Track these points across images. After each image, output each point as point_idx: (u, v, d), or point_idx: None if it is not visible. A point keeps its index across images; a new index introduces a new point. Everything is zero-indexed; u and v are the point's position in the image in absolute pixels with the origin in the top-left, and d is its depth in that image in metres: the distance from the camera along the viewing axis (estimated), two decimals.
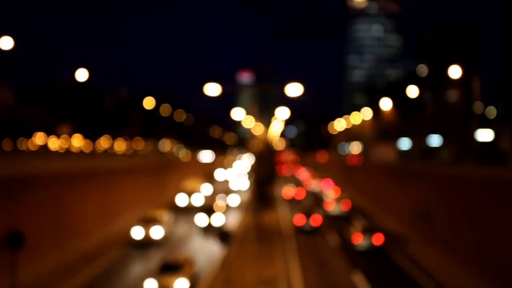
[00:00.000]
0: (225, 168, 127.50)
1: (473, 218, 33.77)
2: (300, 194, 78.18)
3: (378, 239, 42.96)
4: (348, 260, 39.00)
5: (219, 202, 58.78)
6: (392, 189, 56.98)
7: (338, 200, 64.96)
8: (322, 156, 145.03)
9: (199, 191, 69.05)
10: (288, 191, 79.60)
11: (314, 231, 50.95)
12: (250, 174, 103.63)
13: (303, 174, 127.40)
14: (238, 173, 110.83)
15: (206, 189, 77.35)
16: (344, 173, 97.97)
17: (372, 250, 42.29)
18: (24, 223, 29.96)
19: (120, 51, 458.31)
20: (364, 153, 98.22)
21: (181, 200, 65.14)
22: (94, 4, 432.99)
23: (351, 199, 68.55)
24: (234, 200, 68.50)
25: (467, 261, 34.02)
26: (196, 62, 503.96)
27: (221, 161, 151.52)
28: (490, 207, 31.36)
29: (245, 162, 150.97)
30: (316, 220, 51.88)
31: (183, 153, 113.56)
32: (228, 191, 78.78)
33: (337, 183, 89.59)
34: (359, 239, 42.75)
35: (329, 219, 59.17)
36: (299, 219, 52.24)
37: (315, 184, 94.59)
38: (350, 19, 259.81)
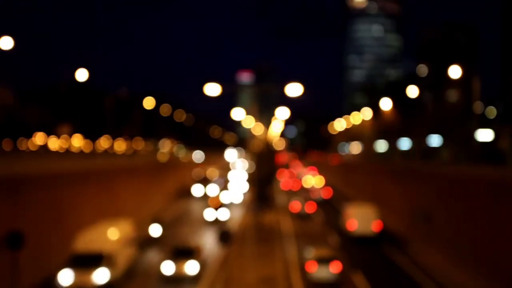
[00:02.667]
0: (206, 182, 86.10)
1: (473, 218, 33.77)
2: (292, 176, 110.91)
3: (327, 193, 79.82)
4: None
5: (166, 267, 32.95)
6: (392, 189, 56.98)
7: (315, 181, 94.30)
8: (314, 157, 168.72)
9: (118, 250, 32.42)
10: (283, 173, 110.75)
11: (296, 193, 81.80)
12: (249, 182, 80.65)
13: (296, 165, 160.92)
14: (227, 191, 75.07)
15: (153, 230, 45.92)
16: (343, 172, 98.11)
17: (323, 201, 74.62)
18: (24, 223, 29.95)
19: (120, 51, 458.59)
20: (363, 152, 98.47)
21: (65, 276, 29.79)
22: (94, 4, 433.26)
23: (327, 180, 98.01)
24: (192, 267, 33.08)
25: (467, 261, 34.02)
26: (196, 62, 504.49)
27: (208, 166, 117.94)
28: (490, 207, 31.36)
29: (240, 170, 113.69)
30: (296, 185, 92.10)
31: (161, 152, 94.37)
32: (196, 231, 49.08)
33: (323, 173, 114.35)
34: (317, 195, 77.63)
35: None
36: (286, 185, 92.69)
37: (302, 171, 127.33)
38: (350, 19, 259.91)
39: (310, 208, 61.98)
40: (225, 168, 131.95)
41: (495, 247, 30.40)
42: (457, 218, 36.49)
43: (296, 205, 61.98)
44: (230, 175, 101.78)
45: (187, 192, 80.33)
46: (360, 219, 46.82)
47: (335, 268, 32.72)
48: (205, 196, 73.85)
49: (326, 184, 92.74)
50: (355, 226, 46.56)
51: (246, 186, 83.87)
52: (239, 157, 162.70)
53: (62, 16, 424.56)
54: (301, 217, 59.90)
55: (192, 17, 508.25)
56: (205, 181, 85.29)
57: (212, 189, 77.65)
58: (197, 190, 79.65)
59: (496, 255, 30.35)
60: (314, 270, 32.77)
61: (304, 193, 79.41)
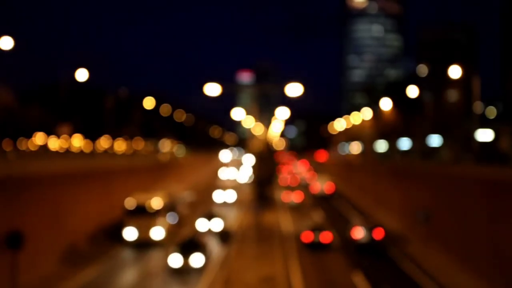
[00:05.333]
0: (145, 215, 42.70)
1: (473, 218, 33.76)
2: (287, 165, 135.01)
3: (315, 187, 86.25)
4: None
5: None
6: (392, 189, 56.98)
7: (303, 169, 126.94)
8: (310, 155, 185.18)
9: None
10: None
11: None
12: None
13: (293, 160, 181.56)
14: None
15: None
16: (345, 171, 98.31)
17: (307, 184, 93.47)
18: (24, 223, 29.96)
19: (120, 51, 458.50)
20: (363, 152, 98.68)
21: None
22: (94, 4, 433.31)
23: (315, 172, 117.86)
24: None
25: (467, 261, 34.02)
26: (196, 62, 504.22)
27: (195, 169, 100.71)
28: (490, 207, 31.35)
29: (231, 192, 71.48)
30: (289, 172, 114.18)
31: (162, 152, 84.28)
32: None
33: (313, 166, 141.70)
34: (303, 179, 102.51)
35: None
36: (282, 172, 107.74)
37: (296, 163, 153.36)
38: (350, 19, 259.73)
39: (294, 182, 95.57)
40: (210, 181, 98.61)
41: (495, 247, 30.39)
42: (457, 218, 36.50)
43: (285, 180, 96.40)
44: (216, 196, 70.04)
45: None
46: (319, 186, 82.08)
47: (298, 197, 70.24)
48: (144, 242, 41.45)
49: (313, 173, 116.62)
50: (316, 190, 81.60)
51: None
52: (236, 162, 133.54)
53: (62, 16, 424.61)
54: (289, 188, 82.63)
55: (192, 17, 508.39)
56: (142, 214, 42.39)
57: (156, 233, 41.95)
58: (129, 232, 41.77)
59: (496, 255, 30.35)
60: (289, 199, 69.73)
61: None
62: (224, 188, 70.96)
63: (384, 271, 35.91)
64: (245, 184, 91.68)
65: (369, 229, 42.25)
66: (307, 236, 42.66)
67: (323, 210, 65.76)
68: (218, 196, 69.79)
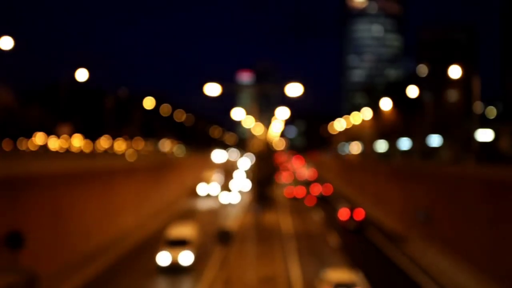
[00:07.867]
0: None
1: (473, 218, 33.76)
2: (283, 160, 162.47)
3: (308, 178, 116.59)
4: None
5: None
6: (392, 189, 56.98)
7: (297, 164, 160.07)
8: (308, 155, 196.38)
9: None
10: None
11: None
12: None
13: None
14: None
15: None
16: (344, 171, 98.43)
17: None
18: (24, 223, 29.94)
19: (120, 51, 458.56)
20: (363, 151, 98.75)
21: None
22: (94, 5, 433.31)
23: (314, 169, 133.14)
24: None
25: (467, 261, 34.02)
26: (196, 62, 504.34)
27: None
28: (490, 207, 31.35)
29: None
30: (286, 165, 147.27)
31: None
32: None
33: (313, 165, 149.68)
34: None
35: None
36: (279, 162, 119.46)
37: (292, 159, 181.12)
38: (350, 19, 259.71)
39: (287, 171, 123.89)
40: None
41: (495, 246, 30.39)
42: (457, 218, 36.50)
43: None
44: (161, 258, 34.88)
45: None
46: (304, 173, 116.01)
47: (289, 178, 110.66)
48: None
49: (305, 167, 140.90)
50: (302, 177, 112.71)
51: None
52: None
53: (62, 16, 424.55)
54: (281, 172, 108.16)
55: (192, 17, 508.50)
56: None
57: None
58: None
59: (496, 254, 30.35)
60: (281, 180, 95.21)
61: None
62: (173, 248, 35.51)
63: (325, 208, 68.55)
64: (235, 205, 69.10)
65: (322, 187, 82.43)
66: (289, 192, 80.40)
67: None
68: (165, 259, 35.01)
